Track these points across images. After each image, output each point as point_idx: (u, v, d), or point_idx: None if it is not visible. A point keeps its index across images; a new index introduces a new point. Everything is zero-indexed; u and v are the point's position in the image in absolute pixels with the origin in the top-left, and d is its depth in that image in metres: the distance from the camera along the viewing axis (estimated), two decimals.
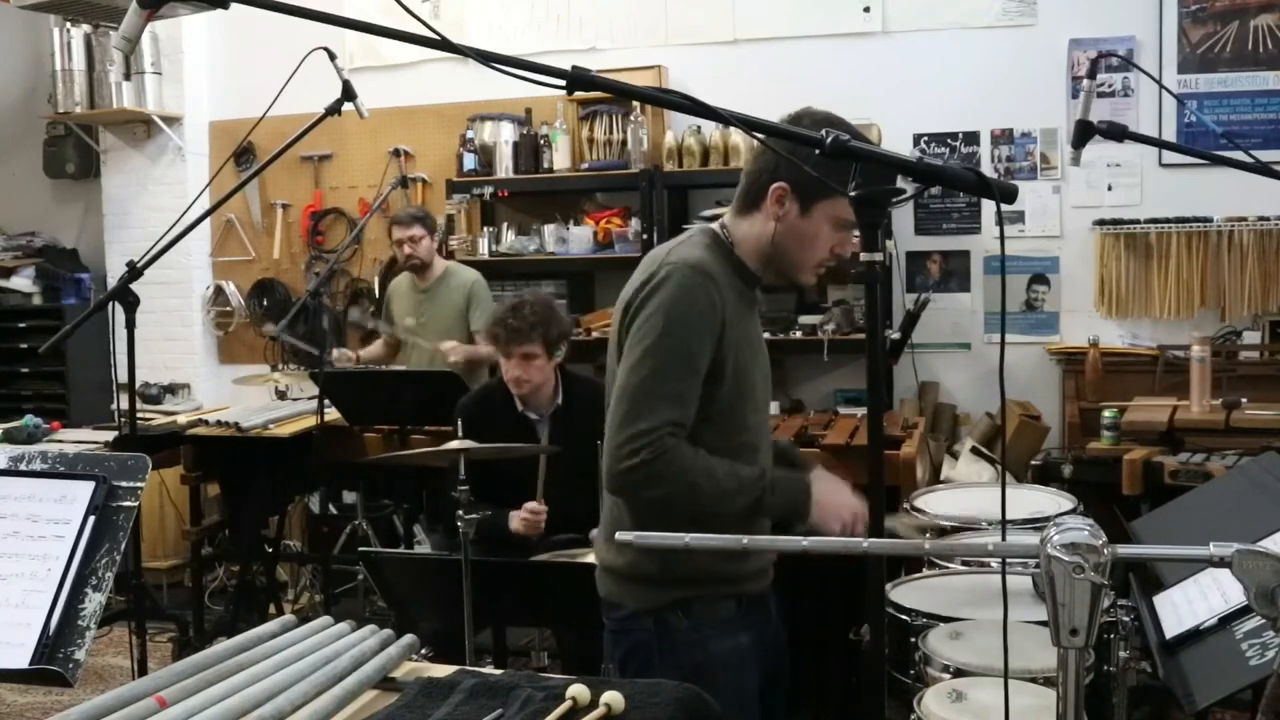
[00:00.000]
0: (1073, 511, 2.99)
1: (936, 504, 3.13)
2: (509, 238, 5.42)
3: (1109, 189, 4.99)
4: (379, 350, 5.31)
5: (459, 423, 3.26)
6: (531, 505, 3.41)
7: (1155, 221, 4.87)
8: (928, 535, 2.99)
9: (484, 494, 3.19)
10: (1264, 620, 1.23)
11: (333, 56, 3.26)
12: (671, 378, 2.07)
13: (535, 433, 3.62)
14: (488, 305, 5.07)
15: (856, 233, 2.03)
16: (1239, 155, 2.83)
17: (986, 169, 5.02)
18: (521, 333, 3.46)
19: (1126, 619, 2.34)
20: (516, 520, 3.43)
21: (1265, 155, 3.67)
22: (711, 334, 2.10)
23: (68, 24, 5.89)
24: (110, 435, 4.59)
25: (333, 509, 5.64)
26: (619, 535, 1.58)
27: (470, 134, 5.52)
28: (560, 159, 5.37)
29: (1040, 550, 1.23)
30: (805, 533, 2.25)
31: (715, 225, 2.26)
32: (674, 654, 2.16)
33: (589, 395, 3.68)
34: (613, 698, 1.44)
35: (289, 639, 1.66)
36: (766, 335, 2.55)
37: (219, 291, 6.24)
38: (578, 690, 1.45)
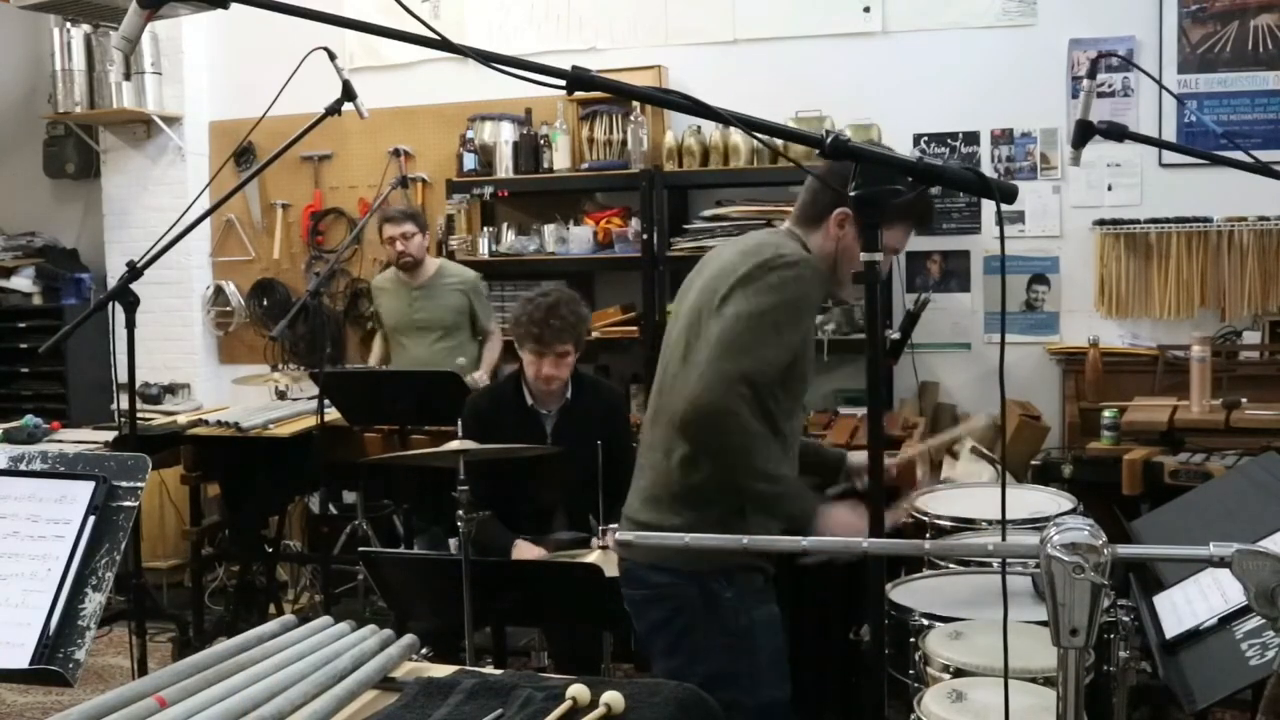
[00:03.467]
0: (1073, 511, 2.99)
1: (936, 504, 3.13)
2: (509, 238, 5.42)
3: (1109, 189, 4.99)
4: (381, 349, 5.32)
5: (463, 420, 3.28)
6: (536, 553, 3.46)
7: (1155, 221, 4.87)
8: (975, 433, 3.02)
9: (486, 485, 3.20)
10: (1264, 620, 1.23)
11: (333, 56, 3.26)
12: (767, 341, 2.20)
13: (542, 426, 3.65)
14: (488, 302, 5.10)
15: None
16: (1239, 155, 2.83)
17: (986, 169, 5.02)
18: (562, 333, 3.51)
19: (1126, 619, 2.34)
20: (519, 552, 3.47)
21: (1265, 155, 3.67)
22: (807, 327, 2.29)
23: (68, 24, 5.89)
24: (110, 435, 4.59)
25: (333, 509, 5.64)
26: (619, 535, 1.61)
27: (470, 134, 5.51)
28: (560, 159, 5.37)
29: (1040, 550, 1.23)
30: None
31: (786, 228, 2.41)
32: (719, 618, 2.29)
33: (597, 396, 3.75)
34: (613, 698, 1.44)
35: (289, 639, 1.66)
36: None
37: (219, 291, 6.24)
38: (578, 690, 1.45)
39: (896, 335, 3.54)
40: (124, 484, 1.73)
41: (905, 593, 2.71)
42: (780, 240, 2.34)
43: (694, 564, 2.29)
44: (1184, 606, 2.15)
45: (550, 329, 3.50)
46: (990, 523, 2.96)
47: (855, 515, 2.27)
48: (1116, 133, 2.66)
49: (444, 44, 1.54)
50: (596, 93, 1.87)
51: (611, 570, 2.74)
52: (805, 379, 2.36)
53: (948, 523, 3.00)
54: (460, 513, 2.93)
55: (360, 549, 4.31)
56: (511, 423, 3.59)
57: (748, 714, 2.25)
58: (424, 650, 1.77)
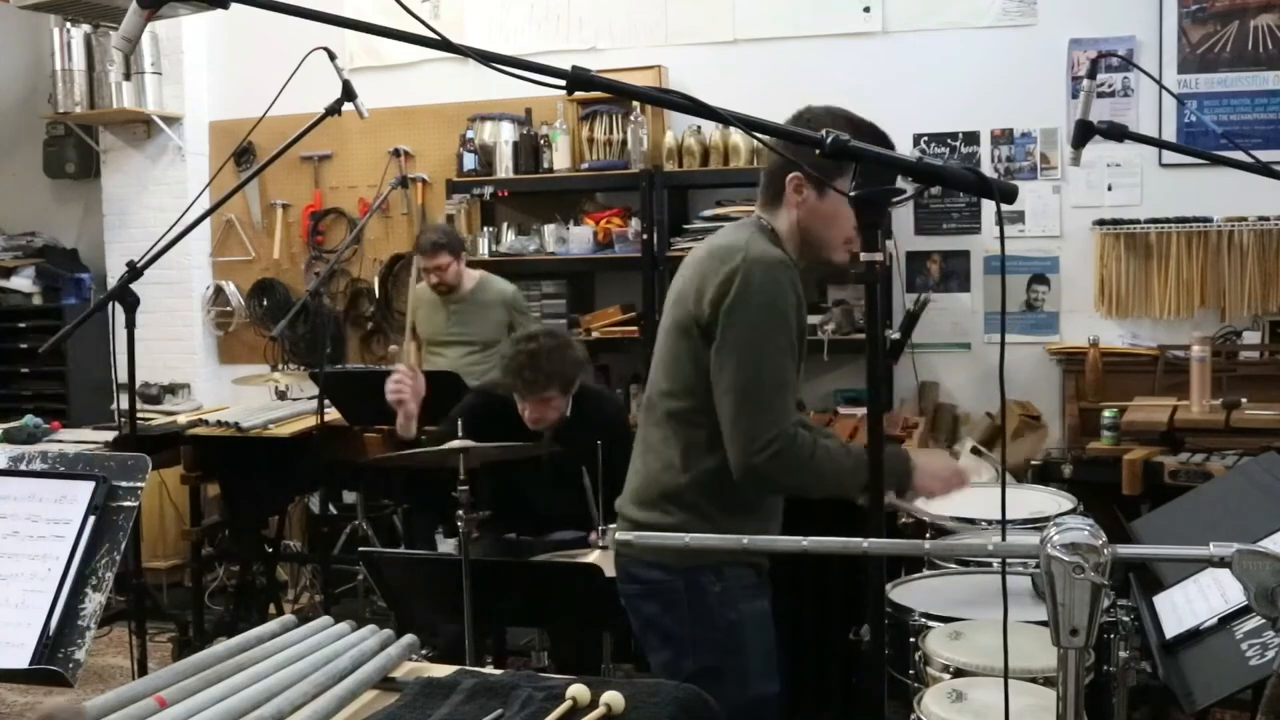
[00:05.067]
0: (1073, 511, 2.99)
1: (936, 504, 3.13)
2: (509, 238, 5.42)
3: (1109, 189, 4.99)
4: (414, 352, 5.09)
5: (463, 416, 3.27)
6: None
7: (1155, 221, 4.87)
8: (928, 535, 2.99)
9: (484, 488, 3.21)
10: (1264, 620, 1.23)
11: (333, 56, 3.26)
12: (781, 369, 2.22)
13: (539, 439, 3.62)
14: (529, 314, 5.02)
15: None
16: (1239, 155, 2.83)
17: (986, 169, 5.02)
18: (539, 385, 3.49)
19: (1126, 619, 2.34)
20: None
21: (1265, 155, 3.67)
22: (800, 322, 2.27)
23: (68, 24, 5.89)
24: (110, 435, 4.59)
25: (333, 509, 5.64)
26: (618, 535, 1.62)
27: (470, 134, 5.52)
28: (560, 159, 5.37)
29: (1040, 550, 1.23)
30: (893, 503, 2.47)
31: (754, 218, 2.39)
32: (708, 612, 2.29)
33: (597, 409, 3.71)
34: (613, 698, 1.44)
35: (289, 639, 1.66)
36: None
37: (219, 291, 6.24)
38: (578, 690, 1.45)
39: (896, 335, 3.55)
40: (124, 484, 1.73)
41: (905, 593, 2.71)
42: (749, 238, 2.29)
43: (682, 559, 2.30)
44: (1184, 606, 2.15)
45: (525, 381, 3.49)
46: (990, 523, 2.96)
47: (933, 454, 2.30)
48: (1116, 133, 2.66)
49: (444, 44, 1.54)
50: (596, 93, 1.87)
51: (611, 570, 2.74)
52: (800, 361, 2.36)
53: (948, 523, 3.00)
54: (460, 513, 2.93)
55: (360, 549, 4.31)
56: (505, 432, 3.54)
57: (736, 709, 2.25)
58: (424, 650, 1.77)
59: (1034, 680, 2.21)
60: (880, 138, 2.22)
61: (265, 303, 6.15)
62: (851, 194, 1.64)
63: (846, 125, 2.17)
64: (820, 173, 2.14)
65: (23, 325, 6.27)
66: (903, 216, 5.21)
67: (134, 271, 3.13)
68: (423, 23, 1.54)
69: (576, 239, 5.30)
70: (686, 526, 2.28)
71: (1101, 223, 4.95)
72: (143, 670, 3.18)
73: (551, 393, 3.52)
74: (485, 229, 5.48)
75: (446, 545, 4.43)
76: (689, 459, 2.31)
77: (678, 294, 2.36)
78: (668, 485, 2.33)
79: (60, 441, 4.60)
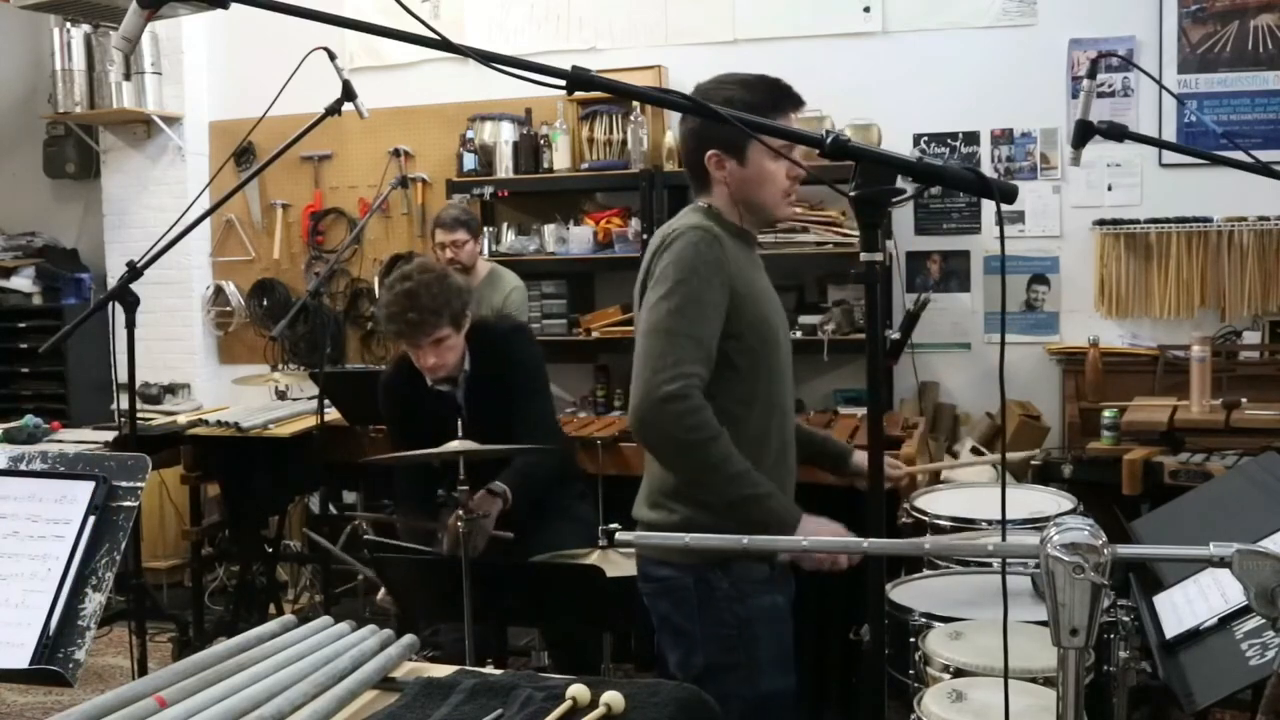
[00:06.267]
0: (1073, 511, 2.99)
1: (936, 504, 3.13)
2: (509, 238, 5.42)
3: (1109, 189, 4.99)
4: None
5: (381, 404, 3.20)
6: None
7: (1155, 221, 4.87)
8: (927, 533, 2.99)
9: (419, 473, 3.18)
10: (1264, 620, 1.23)
11: (333, 56, 3.26)
12: (689, 319, 2.20)
13: (452, 399, 3.42)
14: (519, 310, 4.83)
15: (799, 150, 2.24)
16: (1239, 155, 2.83)
17: (986, 169, 5.02)
18: (429, 324, 3.21)
19: (1126, 619, 2.34)
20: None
21: (1265, 155, 3.67)
22: (723, 282, 2.23)
23: (68, 24, 5.89)
24: (110, 435, 4.59)
25: (333, 509, 5.63)
26: (619, 536, 1.61)
27: (470, 134, 5.52)
28: (560, 159, 5.37)
29: (1040, 550, 1.23)
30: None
31: (695, 204, 2.40)
32: (716, 609, 2.29)
33: (492, 344, 3.44)
34: (613, 698, 1.44)
35: (289, 639, 1.66)
36: None
37: (219, 291, 6.24)
38: (578, 690, 1.45)
39: (896, 335, 3.55)
40: (124, 484, 1.73)
41: (905, 593, 2.71)
42: (678, 221, 2.32)
43: (690, 556, 2.30)
44: (1184, 606, 2.15)
45: (411, 324, 3.20)
46: (990, 523, 2.95)
47: (827, 524, 2.28)
48: (1116, 133, 2.66)
49: (444, 44, 1.54)
50: (596, 93, 1.87)
51: (612, 571, 2.75)
52: (767, 324, 2.33)
53: (948, 523, 3.00)
54: (460, 512, 2.93)
55: (368, 539, 4.23)
56: (425, 408, 3.38)
57: (747, 705, 2.26)
58: (425, 651, 1.77)
59: (1034, 680, 2.21)
60: (774, 87, 2.30)
61: (265, 303, 6.15)
62: (851, 194, 1.64)
63: (739, 88, 2.25)
64: (727, 139, 2.24)
65: (23, 325, 6.27)
66: (903, 216, 5.21)
67: (134, 271, 3.13)
68: (423, 23, 1.54)
69: (576, 239, 5.30)
70: (691, 522, 2.28)
71: (1101, 223, 4.95)
72: (143, 670, 3.18)
73: (444, 330, 3.24)
74: (485, 229, 5.48)
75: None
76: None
77: (639, 288, 2.38)
78: (667, 482, 2.34)
79: (60, 441, 4.60)
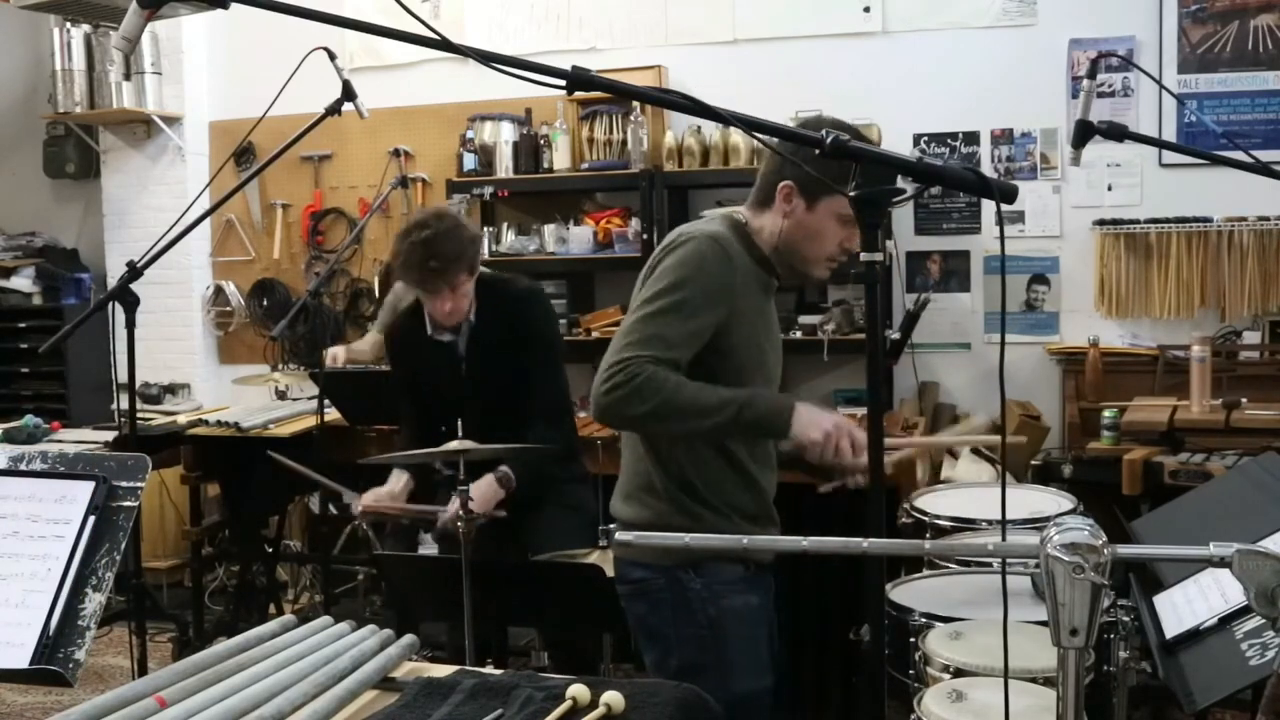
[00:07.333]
0: (1073, 511, 2.99)
1: (936, 504, 3.13)
2: (509, 238, 5.41)
3: (1109, 189, 4.99)
4: (368, 347, 5.05)
5: (388, 347, 3.22)
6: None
7: (1155, 221, 4.87)
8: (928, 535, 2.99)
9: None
10: (1264, 620, 1.23)
11: (333, 56, 3.26)
12: (662, 322, 2.17)
13: (455, 355, 3.43)
14: None
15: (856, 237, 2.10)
16: (1239, 155, 2.83)
17: (986, 169, 5.02)
18: (449, 271, 3.23)
19: (1126, 619, 2.34)
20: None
21: (1265, 155, 3.67)
22: (718, 299, 2.21)
23: (68, 24, 5.89)
24: (110, 435, 4.60)
25: (333, 509, 5.64)
26: (619, 536, 1.61)
27: (470, 134, 5.51)
28: (560, 159, 5.37)
29: (1040, 550, 1.23)
30: (788, 461, 2.40)
31: (737, 213, 2.38)
32: (689, 609, 2.29)
33: (503, 301, 3.44)
34: (613, 698, 1.44)
35: (289, 639, 1.66)
36: None
37: (219, 291, 6.24)
38: (578, 690, 1.45)
39: (896, 335, 3.55)
40: (124, 484, 1.73)
41: (905, 593, 2.71)
42: (700, 225, 2.31)
43: (662, 557, 2.30)
44: (1184, 606, 2.15)
45: (433, 272, 3.20)
46: (990, 523, 2.96)
47: (833, 419, 2.24)
48: (1116, 133, 2.66)
49: (444, 44, 1.54)
50: (596, 93, 1.87)
51: (612, 571, 2.74)
52: (758, 348, 2.31)
53: (948, 523, 3.01)
54: (460, 513, 2.93)
55: (373, 536, 4.24)
56: (426, 351, 3.41)
57: (722, 705, 2.25)
58: (426, 650, 1.77)
59: (1034, 680, 2.21)
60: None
61: (265, 303, 6.15)
62: (851, 194, 1.64)
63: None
64: (816, 182, 2.17)
65: (23, 325, 6.27)
66: (903, 216, 5.20)
67: (134, 271, 3.13)
68: (423, 23, 1.54)
69: (576, 239, 5.30)
70: (665, 518, 2.29)
71: (1101, 223, 4.95)
72: (143, 670, 3.18)
73: (462, 276, 3.26)
74: (485, 229, 5.48)
75: (428, 545, 4.38)
76: (659, 449, 2.32)
77: (639, 284, 2.37)
78: (642, 476, 2.35)
79: (60, 441, 4.61)
